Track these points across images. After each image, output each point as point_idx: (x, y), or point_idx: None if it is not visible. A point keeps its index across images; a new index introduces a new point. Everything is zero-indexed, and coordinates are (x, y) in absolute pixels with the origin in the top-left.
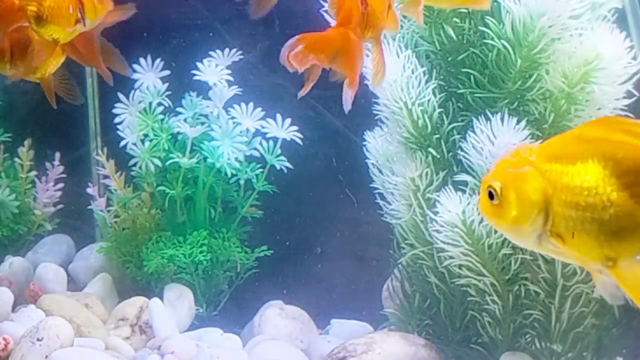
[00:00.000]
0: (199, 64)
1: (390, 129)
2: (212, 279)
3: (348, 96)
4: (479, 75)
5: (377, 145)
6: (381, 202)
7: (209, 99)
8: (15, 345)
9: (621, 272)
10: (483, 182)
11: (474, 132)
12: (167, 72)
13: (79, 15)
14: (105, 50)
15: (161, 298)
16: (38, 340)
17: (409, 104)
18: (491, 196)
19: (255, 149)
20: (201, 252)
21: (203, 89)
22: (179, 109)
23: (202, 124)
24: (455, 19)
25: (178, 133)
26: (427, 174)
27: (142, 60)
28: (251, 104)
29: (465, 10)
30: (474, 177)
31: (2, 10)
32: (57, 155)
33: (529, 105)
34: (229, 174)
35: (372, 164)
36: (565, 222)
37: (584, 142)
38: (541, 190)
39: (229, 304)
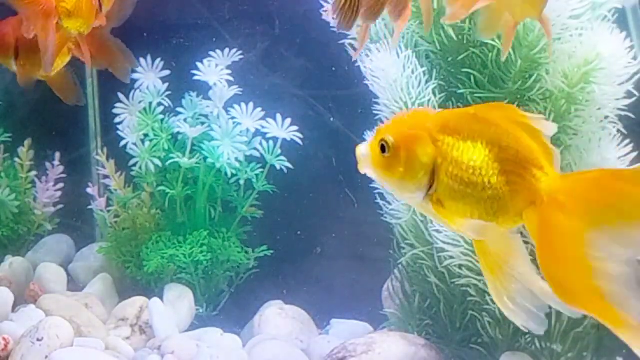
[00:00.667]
0: (199, 64)
1: None
2: (212, 279)
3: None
4: (479, 75)
5: None
6: (381, 202)
7: (209, 99)
8: (15, 345)
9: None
10: (377, 132)
11: None
12: (167, 72)
13: (97, 6)
14: (112, 47)
15: (161, 298)
16: (38, 340)
17: (409, 104)
18: (383, 149)
19: (255, 149)
20: (201, 252)
21: (203, 89)
22: (179, 109)
23: (202, 124)
24: None
25: (178, 133)
26: None
27: (142, 60)
28: (251, 104)
29: None
30: None
31: (43, 12)
32: (57, 155)
33: (529, 106)
34: (229, 174)
35: None
36: (447, 192)
37: (477, 123)
38: (431, 156)
39: (229, 304)
